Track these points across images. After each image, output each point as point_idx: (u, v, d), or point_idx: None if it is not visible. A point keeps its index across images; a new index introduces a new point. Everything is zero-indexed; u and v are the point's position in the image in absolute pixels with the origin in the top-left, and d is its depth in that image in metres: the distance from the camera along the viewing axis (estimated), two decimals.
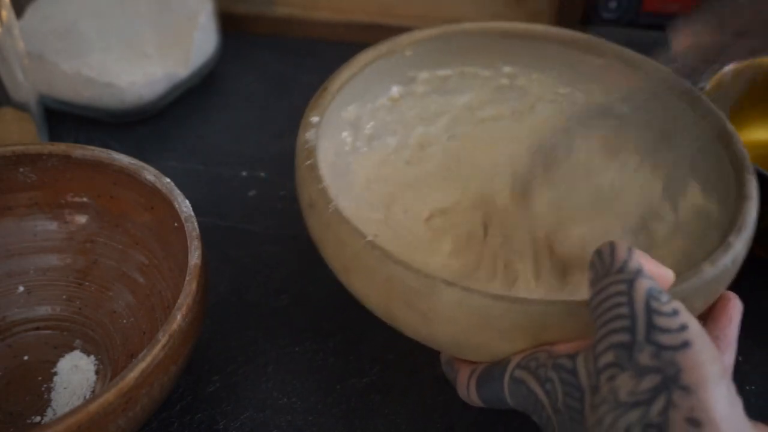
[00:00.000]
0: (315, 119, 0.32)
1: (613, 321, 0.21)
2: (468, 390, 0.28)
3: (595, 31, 0.59)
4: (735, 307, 0.27)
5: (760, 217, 0.37)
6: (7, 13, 0.41)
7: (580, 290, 0.34)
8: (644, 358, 0.20)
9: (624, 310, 0.21)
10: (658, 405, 0.19)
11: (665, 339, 0.20)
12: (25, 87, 0.44)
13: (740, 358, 0.37)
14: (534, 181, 0.38)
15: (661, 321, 0.20)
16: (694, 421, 0.18)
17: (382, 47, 0.36)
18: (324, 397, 0.34)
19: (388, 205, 0.38)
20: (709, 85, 0.41)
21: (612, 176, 0.38)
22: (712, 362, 0.20)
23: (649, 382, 0.20)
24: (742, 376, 0.36)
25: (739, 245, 0.27)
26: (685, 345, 0.20)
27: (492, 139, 0.41)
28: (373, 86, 0.37)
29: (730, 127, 0.32)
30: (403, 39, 0.37)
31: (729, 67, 0.42)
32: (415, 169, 0.40)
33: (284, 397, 0.34)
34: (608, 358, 0.21)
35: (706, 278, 0.25)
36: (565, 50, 0.39)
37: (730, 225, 0.27)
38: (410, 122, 0.40)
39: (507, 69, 0.40)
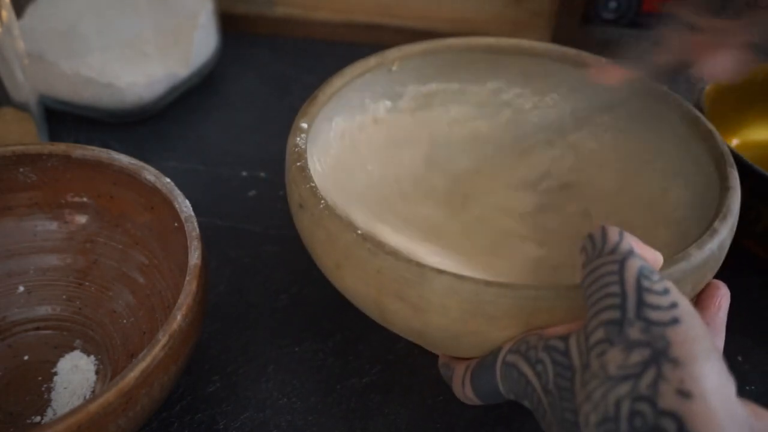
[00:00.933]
0: (304, 125, 0.33)
1: (603, 299, 0.21)
2: (463, 386, 0.28)
3: (595, 31, 0.59)
4: (723, 295, 0.28)
5: (759, 216, 0.37)
6: (7, 13, 0.41)
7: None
8: (634, 332, 0.20)
9: (615, 288, 0.21)
10: (648, 378, 0.19)
11: (655, 315, 0.20)
12: (25, 87, 0.44)
13: (740, 358, 0.37)
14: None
15: (651, 298, 0.21)
16: (684, 393, 0.18)
17: (371, 61, 0.37)
18: (324, 397, 0.34)
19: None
20: (707, 85, 0.41)
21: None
22: (702, 338, 0.20)
23: (638, 355, 0.20)
24: (742, 376, 0.36)
25: (725, 231, 0.27)
26: (675, 321, 0.20)
27: (479, 155, 0.42)
28: (361, 98, 0.38)
29: (710, 125, 0.33)
30: (392, 53, 0.38)
31: None
32: (400, 183, 0.40)
33: (284, 397, 0.34)
34: (598, 335, 0.21)
35: (694, 263, 0.26)
36: (553, 64, 0.39)
37: (715, 214, 0.28)
38: (396, 135, 0.41)
39: (493, 84, 0.41)
